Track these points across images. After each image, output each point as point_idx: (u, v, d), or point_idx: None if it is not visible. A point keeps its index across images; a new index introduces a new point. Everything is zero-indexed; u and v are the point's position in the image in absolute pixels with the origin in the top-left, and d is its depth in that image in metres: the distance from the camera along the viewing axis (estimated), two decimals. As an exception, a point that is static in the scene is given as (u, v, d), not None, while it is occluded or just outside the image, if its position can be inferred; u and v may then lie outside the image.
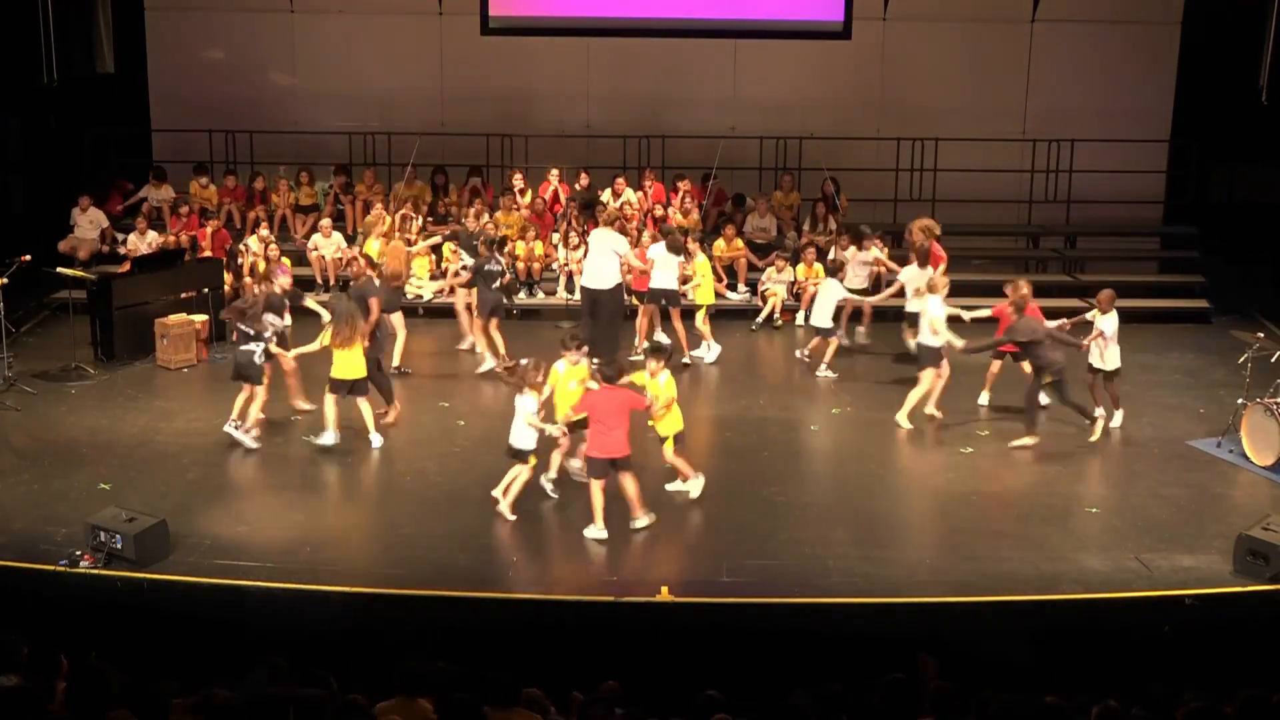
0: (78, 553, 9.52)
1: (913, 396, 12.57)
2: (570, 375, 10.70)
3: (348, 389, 11.75)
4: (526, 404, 10.29)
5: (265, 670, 6.58)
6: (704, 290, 14.98)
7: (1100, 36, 18.48)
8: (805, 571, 9.67)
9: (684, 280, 14.83)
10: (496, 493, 10.50)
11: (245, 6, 18.64)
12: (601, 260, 14.17)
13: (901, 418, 12.54)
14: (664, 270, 14.37)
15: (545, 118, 18.70)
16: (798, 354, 14.91)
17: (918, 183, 18.44)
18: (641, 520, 10.26)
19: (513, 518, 10.41)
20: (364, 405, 11.90)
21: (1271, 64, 15.32)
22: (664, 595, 9.27)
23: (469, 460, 11.84)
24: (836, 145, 18.11)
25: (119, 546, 9.41)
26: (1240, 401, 12.02)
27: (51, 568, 9.42)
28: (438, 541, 10.14)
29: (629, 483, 10.20)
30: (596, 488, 10.12)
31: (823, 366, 14.20)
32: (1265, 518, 9.86)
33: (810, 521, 10.57)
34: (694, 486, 10.92)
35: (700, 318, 14.85)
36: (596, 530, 10.12)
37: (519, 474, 10.43)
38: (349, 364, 11.69)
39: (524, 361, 10.44)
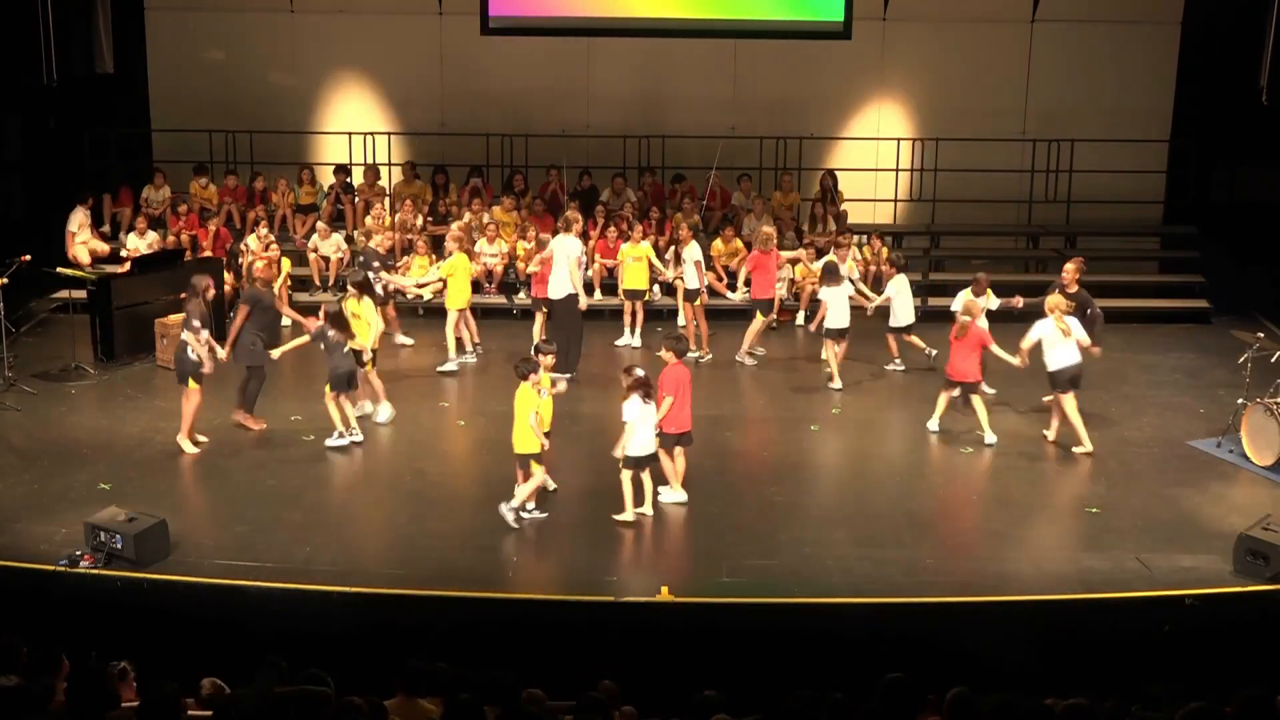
0: (78, 553, 9.51)
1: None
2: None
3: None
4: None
5: (275, 671, 6.56)
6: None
7: (1100, 36, 18.48)
8: (805, 571, 9.67)
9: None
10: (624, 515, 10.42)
11: (245, 6, 18.64)
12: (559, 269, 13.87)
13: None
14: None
15: (545, 118, 18.68)
16: (888, 368, 14.60)
17: (918, 183, 18.45)
18: (677, 494, 10.73)
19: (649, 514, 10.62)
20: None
21: (1271, 64, 15.31)
22: (664, 595, 9.27)
23: (469, 460, 11.83)
24: (836, 145, 18.10)
25: (119, 546, 9.41)
26: (1240, 401, 12.03)
27: (51, 568, 9.41)
28: (438, 541, 10.14)
29: (680, 458, 10.76)
30: (664, 458, 10.63)
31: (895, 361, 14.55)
32: (1265, 518, 9.86)
33: (810, 521, 10.57)
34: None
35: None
36: (674, 494, 10.73)
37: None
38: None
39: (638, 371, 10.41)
